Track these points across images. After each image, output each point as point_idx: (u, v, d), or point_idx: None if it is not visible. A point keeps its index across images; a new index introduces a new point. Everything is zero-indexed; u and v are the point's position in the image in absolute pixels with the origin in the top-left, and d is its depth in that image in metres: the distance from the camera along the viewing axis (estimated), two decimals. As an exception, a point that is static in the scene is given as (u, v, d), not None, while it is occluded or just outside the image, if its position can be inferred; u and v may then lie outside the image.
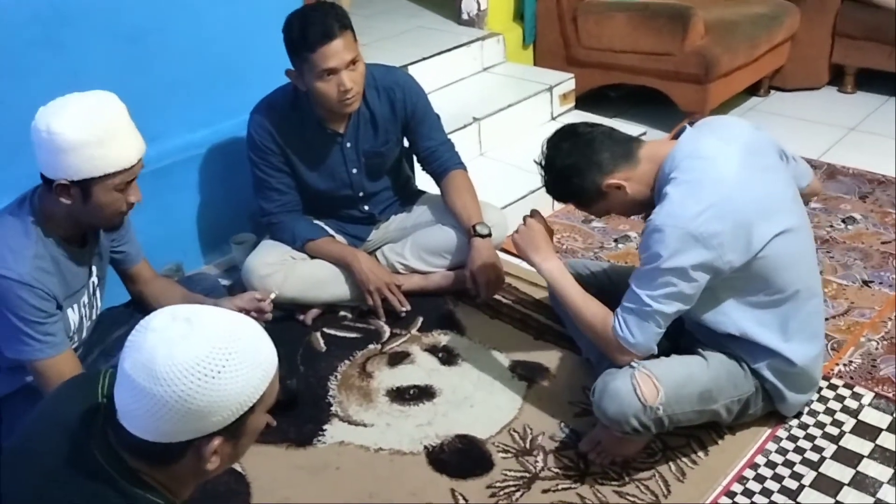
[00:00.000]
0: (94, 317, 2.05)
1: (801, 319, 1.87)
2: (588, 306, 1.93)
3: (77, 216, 1.80)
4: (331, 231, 2.62)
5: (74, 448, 1.15)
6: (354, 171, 2.55)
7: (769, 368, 1.90)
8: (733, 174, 1.76)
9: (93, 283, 2.01)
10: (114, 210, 1.80)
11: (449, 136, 2.66)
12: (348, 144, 2.49)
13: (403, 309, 2.52)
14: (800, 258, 1.87)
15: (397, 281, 2.56)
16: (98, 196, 1.75)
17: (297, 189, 2.56)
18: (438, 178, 2.62)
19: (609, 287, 2.15)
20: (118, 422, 1.11)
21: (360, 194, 2.61)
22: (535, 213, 2.11)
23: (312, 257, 2.55)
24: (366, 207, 2.66)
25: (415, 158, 2.69)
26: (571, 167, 1.87)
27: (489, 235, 2.50)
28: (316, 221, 2.63)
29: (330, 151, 2.50)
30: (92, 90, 1.78)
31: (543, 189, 2.04)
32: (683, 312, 1.82)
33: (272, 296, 2.25)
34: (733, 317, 1.85)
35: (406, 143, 2.65)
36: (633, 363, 1.86)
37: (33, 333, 1.77)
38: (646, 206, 1.88)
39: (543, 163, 1.95)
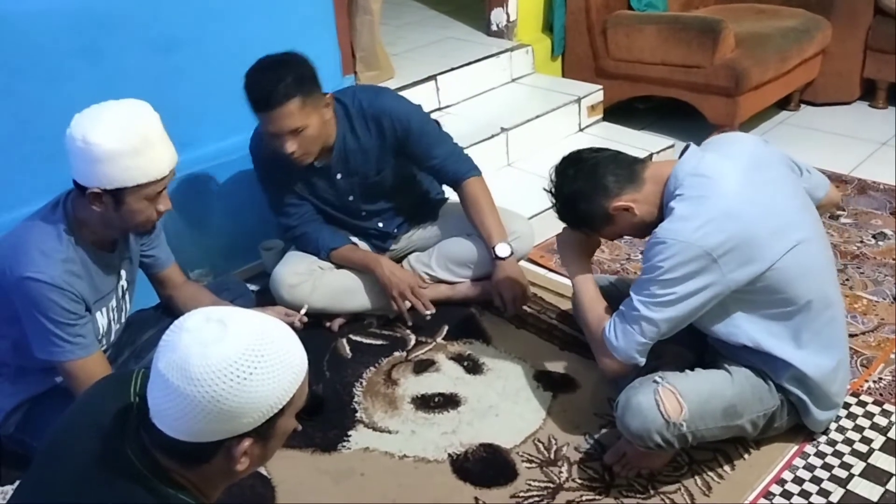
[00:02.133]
0: (122, 320, 2.08)
1: (814, 330, 1.85)
2: (593, 309, 1.97)
3: (108, 222, 1.83)
4: (354, 239, 2.63)
5: (107, 447, 1.16)
6: (351, 198, 2.56)
7: (791, 381, 1.88)
8: (734, 191, 1.76)
9: (122, 287, 2.04)
10: (144, 218, 1.83)
11: (457, 145, 2.60)
12: (338, 176, 2.49)
13: (428, 312, 2.48)
14: (813, 269, 1.84)
15: (421, 284, 2.56)
16: (129, 204, 1.78)
17: (302, 200, 2.56)
18: (455, 188, 2.59)
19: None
20: (151, 421, 1.12)
21: (363, 214, 2.62)
22: (572, 231, 2.11)
23: (338, 266, 2.56)
24: (380, 224, 2.66)
25: None
26: (578, 193, 1.91)
27: (511, 255, 2.48)
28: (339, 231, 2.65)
29: (322, 182, 2.50)
30: (127, 97, 1.81)
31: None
32: (677, 326, 1.81)
33: (303, 311, 2.28)
34: (744, 328, 1.84)
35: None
36: (656, 378, 1.84)
37: (63, 335, 1.80)
38: (653, 226, 1.87)
39: (552, 190, 1.98)
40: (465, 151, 2.62)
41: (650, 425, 1.79)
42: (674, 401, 1.80)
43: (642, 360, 1.86)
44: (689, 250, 1.71)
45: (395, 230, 2.69)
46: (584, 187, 1.89)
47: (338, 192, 2.53)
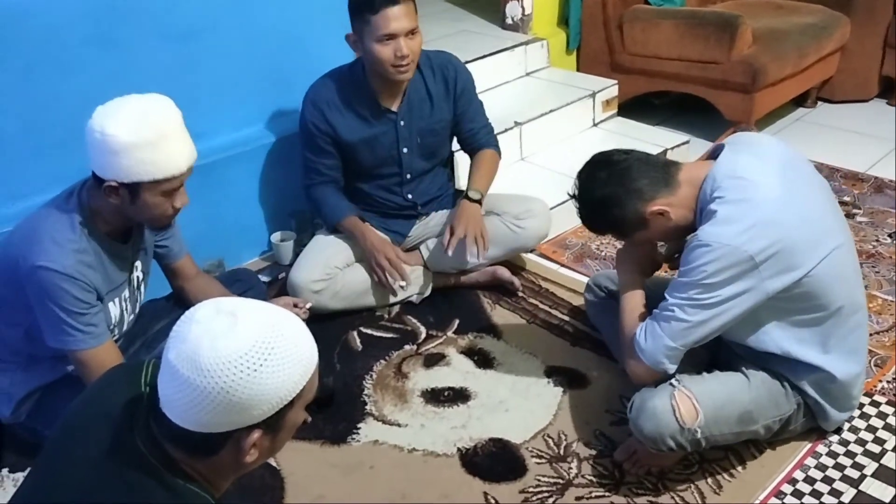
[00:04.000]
0: (136, 311, 2.08)
1: (841, 335, 1.83)
2: (632, 315, 1.90)
3: (123, 214, 1.83)
4: (353, 210, 2.63)
5: (117, 437, 1.16)
6: (405, 150, 2.57)
7: (811, 384, 1.86)
8: (775, 195, 1.72)
9: (137, 278, 2.04)
10: (159, 213, 1.83)
11: (489, 121, 2.74)
12: (402, 122, 2.52)
13: (401, 283, 2.54)
14: (844, 274, 1.82)
15: (400, 255, 2.57)
16: (145, 198, 1.78)
17: (341, 170, 2.60)
18: (472, 154, 2.70)
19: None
20: (161, 411, 1.13)
21: (408, 175, 2.63)
22: (639, 247, 2.04)
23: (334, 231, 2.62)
24: (409, 195, 2.66)
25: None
26: (610, 197, 1.81)
27: (479, 201, 2.56)
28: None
29: (383, 129, 2.53)
30: (141, 87, 1.81)
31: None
32: (709, 334, 1.76)
33: (309, 305, 2.30)
34: (773, 335, 1.81)
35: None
36: (673, 381, 1.82)
37: (76, 324, 1.81)
38: (687, 230, 1.83)
39: (579, 195, 1.89)
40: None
41: (664, 430, 1.78)
42: (690, 406, 1.78)
43: (671, 368, 1.79)
44: (734, 254, 1.66)
45: (422, 207, 2.70)
46: (617, 191, 1.80)
47: (396, 142, 2.55)
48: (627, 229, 1.86)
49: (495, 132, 2.74)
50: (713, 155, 1.86)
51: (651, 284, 2.25)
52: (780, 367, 1.86)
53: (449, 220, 2.58)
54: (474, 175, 2.63)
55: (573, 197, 1.91)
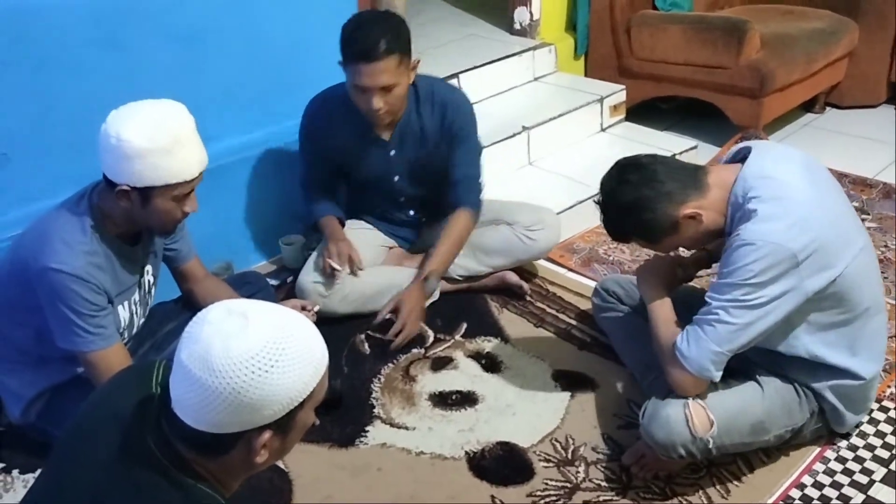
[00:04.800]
0: (145, 314, 2.09)
1: (868, 336, 1.83)
2: (666, 325, 1.87)
3: (133, 217, 1.84)
4: (333, 211, 2.64)
5: (129, 437, 1.17)
6: (396, 178, 2.57)
7: (832, 389, 1.85)
8: (807, 194, 1.72)
9: (148, 281, 2.05)
10: (169, 218, 1.84)
11: (480, 176, 2.59)
12: (392, 153, 2.51)
13: (338, 268, 2.46)
14: (869, 275, 1.82)
15: (353, 255, 2.52)
16: (156, 203, 1.79)
17: (335, 178, 2.62)
18: (449, 208, 2.54)
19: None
20: (172, 412, 1.13)
21: (402, 199, 2.63)
22: (661, 259, 2.04)
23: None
24: (410, 212, 2.68)
25: None
26: (642, 200, 1.76)
27: (431, 294, 2.46)
28: (357, 219, 2.69)
29: (375, 156, 2.52)
30: (148, 89, 1.83)
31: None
32: (754, 338, 1.72)
33: (316, 308, 2.31)
34: (803, 340, 1.79)
35: None
36: None
37: (85, 325, 1.82)
38: (715, 235, 1.81)
39: (606, 200, 1.83)
40: (482, 172, 2.61)
41: (676, 438, 1.77)
42: (703, 416, 1.77)
43: (717, 375, 1.75)
44: (779, 252, 1.64)
45: (424, 220, 2.70)
46: (648, 194, 1.75)
47: (388, 169, 2.55)
48: (658, 234, 1.81)
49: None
50: (734, 159, 1.85)
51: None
52: (802, 372, 1.84)
53: (399, 300, 2.43)
54: (439, 251, 2.47)
55: (599, 203, 1.86)
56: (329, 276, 2.49)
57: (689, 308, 1.84)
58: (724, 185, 1.77)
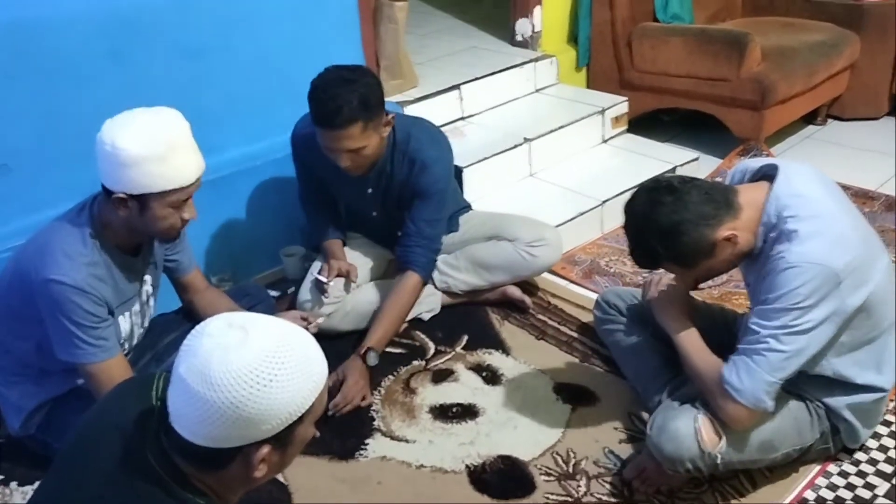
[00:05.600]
0: (145, 325, 2.09)
1: (890, 351, 1.82)
2: (704, 357, 1.82)
3: (132, 226, 1.84)
4: (334, 235, 2.63)
5: (128, 450, 1.17)
6: (374, 213, 2.57)
7: (850, 406, 1.84)
8: (836, 210, 1.70)
9: (146, 291, 2.05)
10: (168, 225, 1.84)
11: (437, 239, 2.50)
12: (369, 191, 2.49)
13: (325, 279, 2.45)
14: (891, 288, 1.79)
15: (351, 270, 2.53)
16: (154, 210, 1.79)
17: (325, 193, 2.61)
18: (399, 264, 2.49)
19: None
20: (171, 425, 1.13)
21: (385, 227, 2.62)
22: (673, 286, 2.00)
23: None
24: (398, 233, 2.66)
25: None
26: (680, 224, 1.68)
27: (372, 367, 2.37)
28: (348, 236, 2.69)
29: (353, 189, 2.50)
30: (153, 102, 1.83)
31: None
32: (802, 364, 1.69)
33: (319, 321, 2.30)
34: (832, 361, 1.77)
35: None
36: (697, 404, 1.80)
37: (86, 337, 1.81)
38: (745, 256, 1.77)
39: (639, 225, 1.75)
40: (438, 244, 2.53)
41: (684, 453, 1.76)
42: (712, 431, 1.76)
43: (772, 405, 1.70)
44: (825, 273, 1.60)
45: None
46: (686, 217, 1.67)
47: (365, 205, 2.54)
48: (694, 259, 1.74)
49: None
50: (755, 177, 1.81)
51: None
52: (820, 390, 1.82)
53: (339, 370, 2.31)
54: (382, 320, 2.38)
55: (627, 229, 1.79)
56: (320, 290, 2.48)
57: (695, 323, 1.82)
58: (755, 205, 1.72)
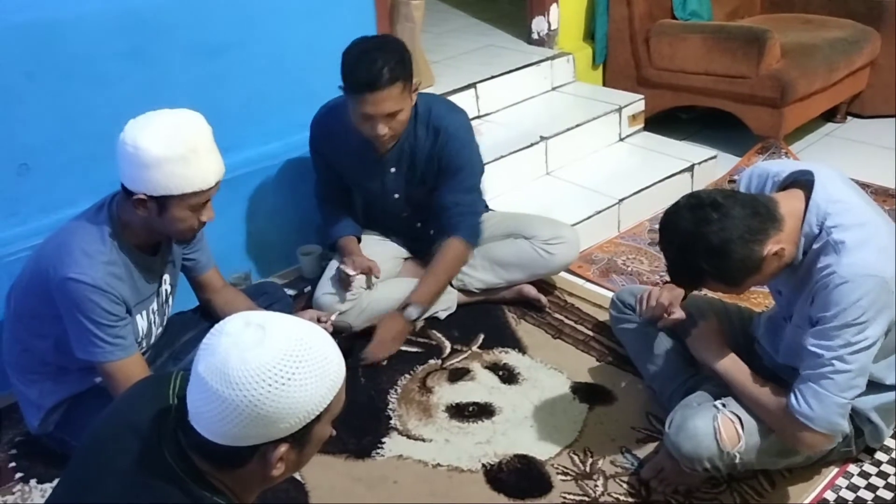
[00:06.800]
0: (163, 323, 2.10)
1: None
2: (759, 387, 1.77)
3: (151, 226, 1.85)
4: (351, 230, 2.63)
5: (145, 449, 1.17)
6: (396, 196, 2.57)
7: (877, 409, 1.82)
8: (874, 213, 1.68)
9: (165, 290, 2.06)
10: (186, 226, 1.85)
11: (476, 203, 2.57)
12: (392, 170, 2.50)
13: (351, 273, 2.44)
14: None
15: (375, 268, 2.50)
16: (173, 212, 1.80)
17: (348, 189, 2.62)
18: (442, 235, 2.52)
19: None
20: (189, 423, 1.13)
21: (404, 214, 2.63)
22: (706, 321, 1.97)
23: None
24: (417, 224, 2.67)
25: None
26: (731, 241, 1.59)
27: (414, 322, 2.43)
28: (367, 232, 2.69)
29: (375, 172, 2.52)
30: (171, 101, 1.84)
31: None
32: (866, 380, 1.64)
33: (333, 317, 2.31)
34: (871, 368, 1.71)
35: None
36: (717, 403, 1.78)
37: (104, 336, 1.82)
38: (785, 267, 1.71)
39: (686, 244, 1.64)
40: (482, 204, 2.62)
41: (703, 451, 1.75)
42: (732, 431, 1.74)
43: (846, 424, 1.67)
44: (879, 283, 1.56)
45: (433, 232, 2.69)
46: (736, 234, 1.59)
47: (386, 188, 2.54)
48: (742, 276, 1.65)
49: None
50: (784, 185, 1.76)
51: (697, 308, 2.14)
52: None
53: (376, 332, 2.42)
54: (426, 280, 2.47)
55: (668, 248, 1.70)
56: (344, 284, 2.48)
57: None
58: (795, 215, 1.66)
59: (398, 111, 2.28)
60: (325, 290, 2.51)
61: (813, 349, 1.63)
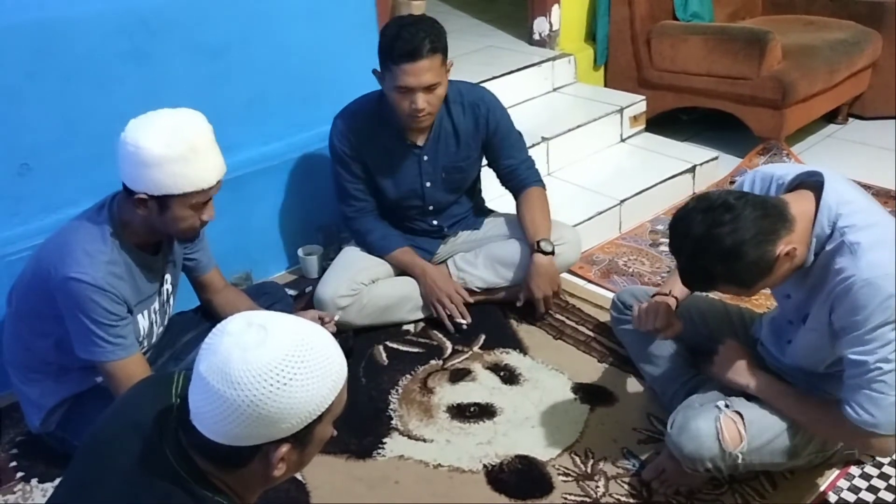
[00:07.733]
0: (164, 323, 2.10)
1: None
2: (812, 410, 1.76)
3: (152, 225, 1.85)
4: (404, 241, 2.65)
5: (147, 448, 1.17)
6: (428, 184, 2.57)
7: None
8: (882, 216, 1.67)
9: (166, 290, 2.06)
10: (187, 226, 1.84)
11: (530, 156, 2.68)
12: (425, 158, 2.52)
13: (463, 321, 2.54)
14: None
15: (462, 293, 2.57)
16: (174, 211, 1.80)
17: (369, 194, 2.61)
18: (516, 194, 2.65)
19: None
20: (190, 423, 1.13)
21: (431, 207, 2.64)
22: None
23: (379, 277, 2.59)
24: (434, 221, 2.68)
25: (495, 175, 2.70)
26: (744, 243, 1.57)
27: (552, 253, 2.50)
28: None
29: (407, 162, 2.53)
30: (173, 101, 1.83)
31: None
32: None
33: (336, 317, 2.30)
34: None
35: (485, 161, 2.67)
36: (719, 404, 1.78)
37: (105, 335, 1.82)
38: (796, 270, 1.68)
39: (699, 246, 1.61)
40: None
41: (705, 452, 1.74)
42: (734, 431, 1.74)
43: None
44: None
45: (447, 229, 2.70)
46: (749, 234, 1.57)
47: (419, 176, 2.55)
48: (755, 278, 1.63)
49: (533, 161, 2.70)
50: (791, 187, 1.74)
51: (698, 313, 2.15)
52: None
53: (526, 278, 2.52)
54: (534, 222, 2.56)
55: (680, 250, 1.67)
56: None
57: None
58: (806, 216, 1.64)
59: (437, 84, 2.32)
60: (327, 289, 2.50)
61: (854, 357, 1.60)
